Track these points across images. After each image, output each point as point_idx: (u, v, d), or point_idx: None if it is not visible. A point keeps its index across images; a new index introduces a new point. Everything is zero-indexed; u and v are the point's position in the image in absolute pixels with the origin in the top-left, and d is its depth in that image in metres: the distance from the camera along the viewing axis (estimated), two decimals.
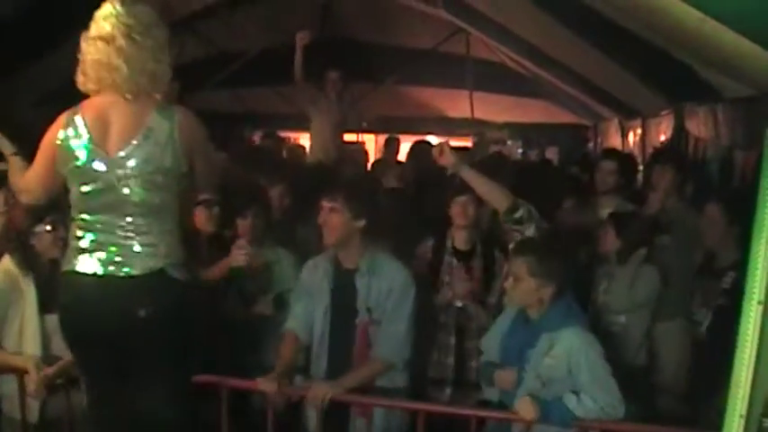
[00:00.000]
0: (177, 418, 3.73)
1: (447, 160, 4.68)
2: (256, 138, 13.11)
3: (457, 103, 12.73)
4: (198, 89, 11.02)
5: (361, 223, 4.52)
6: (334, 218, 4.50)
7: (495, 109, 13.03)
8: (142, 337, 3.57)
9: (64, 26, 3.72)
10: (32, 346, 4.40)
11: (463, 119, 12.92)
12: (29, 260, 4.47)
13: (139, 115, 3.55)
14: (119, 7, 3.58)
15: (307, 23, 11.17)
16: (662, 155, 6.70)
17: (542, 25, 8.33)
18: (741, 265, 2.73)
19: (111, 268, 3.56)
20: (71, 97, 3.70)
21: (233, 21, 10.73)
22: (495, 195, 4.65)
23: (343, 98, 8.77)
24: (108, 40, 3.53)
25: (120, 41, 3.52)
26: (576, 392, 4.00)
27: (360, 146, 11.62)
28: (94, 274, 3.57)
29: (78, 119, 3.58)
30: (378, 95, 12.06)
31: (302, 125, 9.74)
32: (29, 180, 3.77)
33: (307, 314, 4.63)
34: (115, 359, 3.65)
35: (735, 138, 6.51)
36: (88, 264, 3.58)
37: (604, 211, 5.90)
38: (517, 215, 4.56)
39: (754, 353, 2.32)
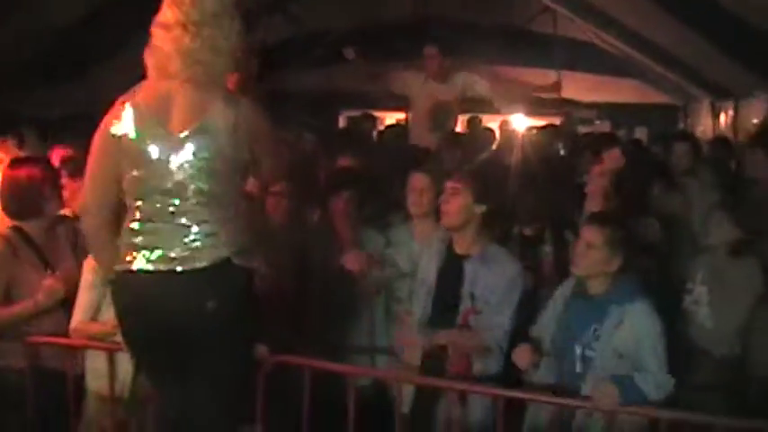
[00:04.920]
0: (238, 407, 3.68)
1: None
2: (342, 118, 13.17)
3: (544, 83, 12.58)
4: (287, 69, 11.13)
5: (482, 208, 4.48)
6: (455, 200, 4.47)
7: (584, 88, 12.83)
8: (210, 329, 3.43)
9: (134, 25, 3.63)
10: None
11: (551, 98, 12.76)
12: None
13: (202, 102, 3.42)
14: None
15: (396, 2, 11.27)
16: (755, 138, 6.53)
17: (631, 3, 8.21)
18: None
19: (174, 263, 3.40)
20: None
21: (322, 0, 10.80)
22: None
23: (446, 75, 8.14)
24: (167, 27, 3.42)
25: (177, 31, 3.39)
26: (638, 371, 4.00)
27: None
28: (156, 272, 3.41)
29: (139, 100, 3.44)
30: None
31: (392, 104, 9.72)
32: (85, 198, 3.59)
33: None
34: (180, 357, 3.51)
35: None
36: (147, 261, 3.42)
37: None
38: None
39: None
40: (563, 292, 4.44)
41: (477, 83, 8.04)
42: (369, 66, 8.29)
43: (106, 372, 4.38)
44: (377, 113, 12.19)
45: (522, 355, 4.23)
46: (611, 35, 10.74)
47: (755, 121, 8.55)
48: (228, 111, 3.43)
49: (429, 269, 4.61)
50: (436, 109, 7.94)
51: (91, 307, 4.46)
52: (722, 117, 10.28)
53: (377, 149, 8.48)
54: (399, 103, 9.08)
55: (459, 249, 4.56)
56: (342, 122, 13.14)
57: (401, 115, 11.84)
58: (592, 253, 4.19)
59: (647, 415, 4.03)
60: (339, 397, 4.35)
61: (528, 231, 5.30)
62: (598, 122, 13.94)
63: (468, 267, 4.47)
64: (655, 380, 3.99)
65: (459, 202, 4.46)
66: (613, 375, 4.00)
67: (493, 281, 4.43)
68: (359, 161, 6.09)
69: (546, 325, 4.43)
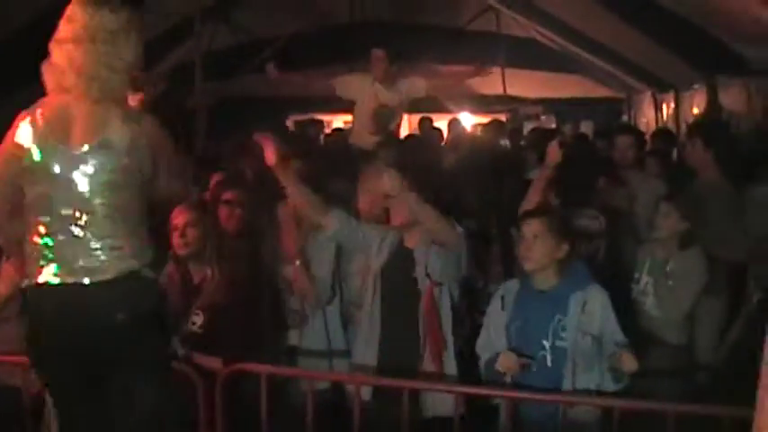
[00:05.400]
0: (168, 413, 3.61)
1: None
2: (289, 123, 13.16)
3: (490, 81, 12.64)
4: (232, 76, 11.11)
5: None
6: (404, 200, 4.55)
7: (529, 85, 12.96)
8: (122, 341, 3.41)
9: None
10: None
11: (496, 96, 12.87)
12: None
13: (101, 117, 3.40)
14: (80, 10, 3.43)
15: (337, 7, 11.29)
16: (692, 129, 6.62)
17: (572, 1, 8.34)
18: None
19: (81, 275, 3.38)
20: None
21: (265, 7, 10.79)
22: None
23: (392, 79, 7.90)
24: (62, 43, 3.41)
25: (70, 46, 3.39)
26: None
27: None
28: (63, 284, 3.39)
29: (38, 115, 3.42)
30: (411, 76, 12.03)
31: (337, 107, 9.73)
32: None
33: None
34: (92, 373, 3.47)
35: None
36: (54, 274, 3.39)
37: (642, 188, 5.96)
38: None
39: None
40: (506, 297, 4.45)
41: (420, 87, 7.99)
42: (296, 77, 8.31)
43: None
44: (325, 117, 12.23)
45: (506, 362, 4.22)
46: (552, 32, 10.87)
47: (696, 111, 8.70)
48: (127, 126, 3.42)
49: (379, 257, 4.68)
50: (379, 112, 7.89)
51: None
52: (664, 109, 10.45)
53: (323, 154, 8.49)
54: (347, 106, 9.06)
55: (409, 244, 4.65)
56: (290, 126, 13.14)
57: (349, 117, 11.87)
58: (539, 243, 4.26)
59: (601, 404, 4.11)
60: (298, 401, 4.37)
61: (474, 227, 5.35)
62: (544, 118, 14.10)
63: (418, 253, 4.58)
64: (628, 349, 4.11)
65: (405, 203, 4.53)
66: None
67: (443, 259, 4.53)
68: (307, 166, 6.09)
69: (496, 335, 4.42)
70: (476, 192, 5.37)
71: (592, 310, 4.19)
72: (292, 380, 4.80)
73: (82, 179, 3.37)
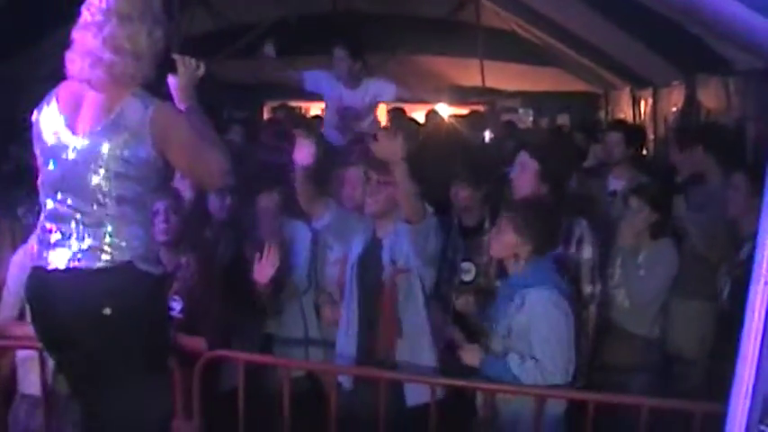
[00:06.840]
0: (154, 417, 3.52)
1: None
2: (266, 109, 13.13)
3: (468, 72, 12.69)
4: (209, 61, 11.06)
5: None
6: (382, 191, 4.55)
7: (507, 77, 12.97)
8: (109, 335, 3.29)
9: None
10: None
11: (474, 87, 12.88)
12: None
13: (109, 102, 3.32)
14: None
15: None
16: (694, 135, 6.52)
17: None
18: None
19: (76, 261, 3.31)
20: None
21: None
22: None
23: (356, 80, 7.63)
24: (78, 29, 3.38)
25: (77, 32, 3.37)
26: (523, 355, 4.11)
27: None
28: (55, 270, 3.32)
29: (53, 98, 3.43)
30: (389, 66, 12.03)
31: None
32: None
33: None
34: (85, 360, 3.39)
35: (747, 110, 6.52)
36: (52, 258, 3.34)
37: (618, 183, 5.97)
38: None
39: (760, 330, 2.38)
40: None
41: (386, 91, 7.83)
42: (283, 64, 8.18)
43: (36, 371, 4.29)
44: (302, 104, 12.18)
45: (469, 356, 4.34)
46: (532, 25, 10.90)
47: (674, 108, 8.75)
48: (136, 112, 3.33)
49: (357, 248, 4.71)
50: (343, 113, 7.78)
51: (14, 305, 4.44)
52: (642, 105, 10.51)
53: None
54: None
55: (379, 234, 4.68)
56: (266, 113, 13.11)
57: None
58: (501, 237, 4.33)
59: (574, 397, 4.14)
60: (274, 388, 4.38)
61: (468, 222, 5.35)
62: (521, 111, 14.15)
63: (386, 242, 4.60)
64: (540, 367, 4.05)
65: (386, 193, 4.54)
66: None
67: (410, 243, 4.50)
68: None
69: None
70: (468, 185, 5.33)
71: (527, 310, 4.17)
72: (269, 367, 4.82)
73: (85, 164, 3.31)
